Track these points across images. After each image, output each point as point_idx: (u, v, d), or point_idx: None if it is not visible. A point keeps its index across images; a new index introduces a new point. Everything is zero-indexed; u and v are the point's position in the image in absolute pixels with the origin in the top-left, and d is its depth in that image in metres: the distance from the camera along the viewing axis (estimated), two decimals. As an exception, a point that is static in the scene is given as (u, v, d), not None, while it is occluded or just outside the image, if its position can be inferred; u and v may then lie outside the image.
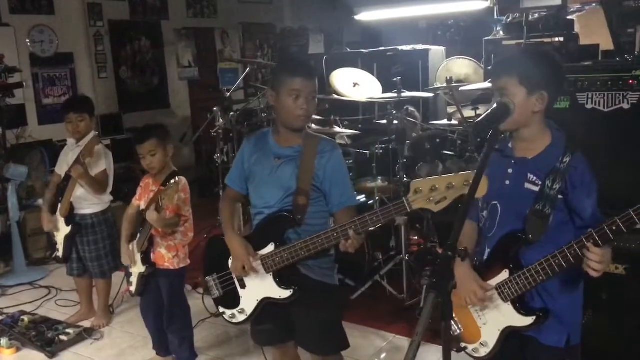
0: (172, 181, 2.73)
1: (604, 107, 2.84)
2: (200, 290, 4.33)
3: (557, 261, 1.83)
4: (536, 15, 4.80)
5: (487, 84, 3.96)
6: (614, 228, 1.70)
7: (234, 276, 2.38)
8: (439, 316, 2.10)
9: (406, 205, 1.93)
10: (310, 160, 2.29)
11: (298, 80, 2.22)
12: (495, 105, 1.81)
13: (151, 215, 2.83)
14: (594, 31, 5.06)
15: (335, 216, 2.32)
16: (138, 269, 3.09)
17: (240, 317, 2.41)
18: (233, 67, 8.29)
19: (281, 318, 2.39)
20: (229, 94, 4.81)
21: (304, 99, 2.23)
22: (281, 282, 2.28)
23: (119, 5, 7.24)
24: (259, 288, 2.32)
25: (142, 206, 3.06)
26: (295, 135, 2.34)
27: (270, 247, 2.27)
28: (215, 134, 4.58)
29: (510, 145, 2.03)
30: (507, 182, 2.00)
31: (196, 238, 4.34)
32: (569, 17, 4.92)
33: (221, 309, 2.46)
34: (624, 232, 1.69)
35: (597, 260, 1.73)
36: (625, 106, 2.79)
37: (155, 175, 3.10)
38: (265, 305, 2.34)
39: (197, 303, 3.92)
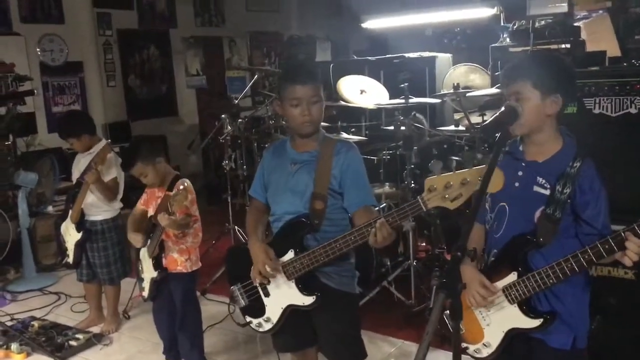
0: (181, 187, 2.75)
1: (611, 112, 2.85)
2: (210, 296, 4.36)
3: (569, 265, 1.84)
4: (542, 22, 4.81)
5: (494, 90, 3.97)
6: None
7: (257, 284, 2.37)
8: (445, 320, 2.14)
9: (421, 204, 1.91)
10: (327, 163, 2.28)
11: (296, 88, 2.24)
12: (502, 109, 1.83)
13: (163, 220, 2.85)
14: (600, 38, 5.07)
15: (354, 216, 2.30)
16: (150, 274, 3.11)
17: (267, 326, 2.40)
18: (240, 76, 8.35)
19: (303, 326, 2.38)
20: (236, 101, 4.84)
21: (305, 105, 2.24)
22: (303, 288, 2.27)
23: (128, 15, 7.31)
24: (282, 296, 2.32)
25: (151, 212, 3.09)
26: (310, 140, 2.34)
27: (290, 254, 2.26)
28: (223, 141, 4.61)
29: (520, 148, 2.05)
30: (517, 184, 2.01)
31: (204, 244, 4.37)
32: (575, 24, 4.93)
33: (248, 318, 2.46)
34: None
35: (636, 251, 1.73)
36: (633, 111, 2.79)
37: (160, 184, 3.13)
38: (290, 313, 2.33)
39: (206, 309, 3.92)
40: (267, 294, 2.37)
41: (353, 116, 5.11)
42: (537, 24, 4.75)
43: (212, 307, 4.12)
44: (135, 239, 3.11)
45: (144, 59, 7.58)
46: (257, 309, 2.41)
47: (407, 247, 3.99)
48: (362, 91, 4.78)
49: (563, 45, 4.68)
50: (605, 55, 4.34)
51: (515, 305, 1.97)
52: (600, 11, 5.27)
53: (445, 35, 7.44)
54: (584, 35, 4.89)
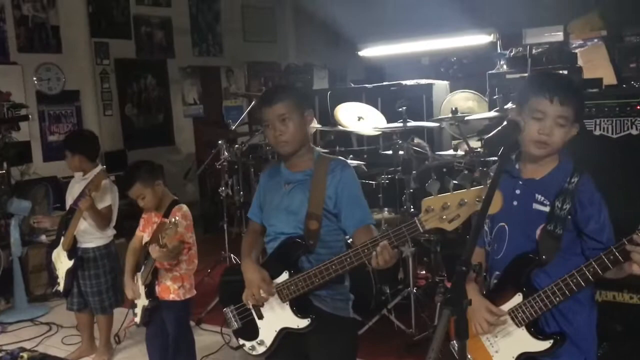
0: (173, 220, 2.68)
1: (612, 134, 2.83)
2: (205, 326, 4.26)
3: (575, 280, 1.79)
4: (539, 49, 4.84)
5: (492, 114, 3.95)
6: None
7: (250, 307, 2.31)
8: (449, 348, 2.06)
9: (418, 225, 1.87)
10: (321, 182, 2.24)
11: (264, 110, 2.24)
12: (505, 123, 1.79)
13: (154, 252, 2.79)
14: (596, 66, 5.08)
15: (353, 237, 2.25)
16: (142, 301, 3.03)
17: (260, 349, 2.32)
18: (238, 105, 8.37)
19: (297, 350, 2.31)
20: (233, 127, 4.82)
21: (276, 125, 2.22)
22: (298, 311, 2.21)
23: (126, 44, 7.35)
24: (276, 318, 2.25)
25: (146, 238, 3.02)
26: (305, 159, 2.31)
27: (284, 275, 2.20)
28: (220, 167, 4.57)
29: (517, 166, 2.01)
30: (515, 203, 1.97)
31: (200, 273, 4.30)
32: (572, 51, 4.96)
33: (241, 341, 2.39)
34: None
35: None
36: (634, 132, 2.78)
37: (157, 208, 3.08)
38: (284, 336, 2.26)
39: (201, 339, 3.83)
40: (260, 317, 2.30)
41: (351, 142, 5.09)
42: (534, 51, 4.78)
43: (207, 337, 4.02)
44: (129, 287, 3.08)
45: (141, 88, 7.59)
46: (250, 331, 2.34)
47: (407, 274, 3.91)
48: (359, 118, 4.77)
49: (560, 72, 4.69)
50: (602, 82, 4.35)
51: (523, 327, 1.91)
52: (596, 40, 5.31)
53: (441, 65, 7.51)
54: (580, 62, 4.92)
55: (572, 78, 3.61)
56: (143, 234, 3.12)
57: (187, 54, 8.11)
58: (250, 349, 2.35)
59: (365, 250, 2.00)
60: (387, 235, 1.96)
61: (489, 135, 1.73)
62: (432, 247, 4.16)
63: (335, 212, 2.25)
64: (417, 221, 1.87)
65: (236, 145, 4.57)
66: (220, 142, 4.54)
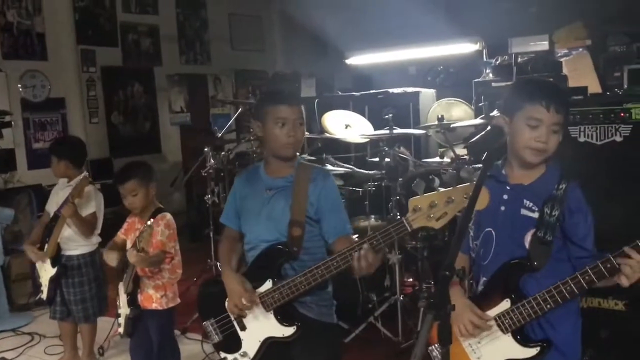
0: (148, 223, 2.66)
1: (596, 140, 2.85)
2: (190, 335, 4.21)
3: (568, 288, 1.78)
4: (525, 58, 4.88)
5: (478, 121, 3.97)
6: None
7: (232, 318, 2.28)
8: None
9: (406, 224, 1.86)
10: (303, 190, 2.23)
11: (283, 108, 2.20)
12: (489, 127, 1.80)
13: (131, 256, 2.75)
14: (581, 75, 5.12)
15: (332, 246, 2.24)
16: (125, 310, 2.99)
17: None
18: (225, 112, 8.35)
19: (281, 359, 2.28)
20: (220, 134, 4.80)
21: (291, 126, 2.20)
22: (283, 319, 2.18)
23: (112, 52, 7.32)
24: (260, 328, 2.22)
25: (129, 244, 2.98)
26: (286, 165, 2.29)
27: (268, 284, 2.18)
28: (206, 174, 4.54)
29: (504, 171, 2.02)
30: (502, 208, 1.97)
31: (186, 282, 4.27)
32: (557, 60, 5.00)
33: (222, 354, 2.34)
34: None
35: (635, 266, 1.67)
36: (618, 139, 2.80)
37: (141, 214, 3.04)
38: (268, 345, 2.23)
39: (186, 348, 3.79)
40: (243, 328, 2.27)
41: (339, 149, 5.09)
42: (519, 59, 4.81)
43: (193, 347, 3.97)
44: (109, 256, 2.99)
45: (128, 96, 7.55)
46: (232, 343, 2.30)
47: (393, 282, 3.90)
48: (347, 126, 4.77)
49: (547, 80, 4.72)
50: (587, 90, 4.39)
51: (509, 334, 1.90)
52: (581, 49, 5.35)
53: (428, 74, 7.54)
54: (565, 71, 4.96)
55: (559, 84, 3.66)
56: (124, 236, 3.08)
57: (174, 61, 8.08)
58: None
59: (352, 254, 1.98)
60: (374, 237, 1.95)
61: (473, 140, 1.73)
62: (419, 254, 4.15)
63: (317, 219, 2.24)
64: (404, 221, 1.86)
65: (222, 153, 4.55)
66: (206, 149, 4.51)
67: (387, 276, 4.00)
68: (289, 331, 2.17)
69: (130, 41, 7.55)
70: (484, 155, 1.68)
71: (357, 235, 3.99)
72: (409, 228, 1.86)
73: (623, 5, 5.67)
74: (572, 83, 4.81)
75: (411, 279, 4.57)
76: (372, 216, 4.14)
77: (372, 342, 3.81)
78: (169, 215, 2.98)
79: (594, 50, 5.24)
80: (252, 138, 4.86)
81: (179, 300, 3.08)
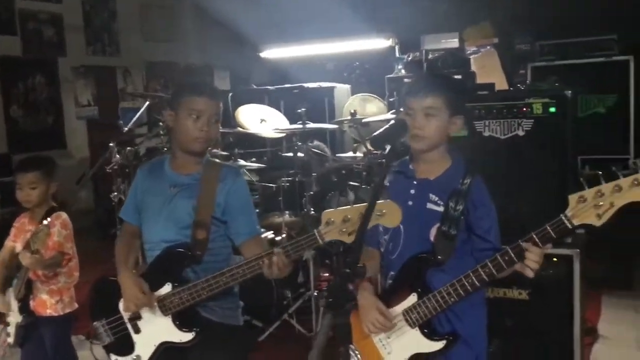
0: (44, 222, 2.47)
1: (500, 135, 2.91)
2: (96, 340, 3.98)
3: (470, 281, 1.81)
4: (435, 54, 4.99)
5: (389, 115, 4.00)
6: (559, 227, 1.68)
7: (126, 320, 2.15)
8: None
9: (317, 237, 1.83)
10: (211, 189, 2.12)
11: (200, 100, 2.08)
12: (392, 122, 1.78)
13: (25, 258, 2.55)
14: (489, 72, 5.31)
15: (242, 247, 2.16)
16: (15, 318, 2.76)
17: None
18: (136, 106, 7.98)
19: None
20: (126, 129, 4.57)
21: (205, 120, 2.09)
22: (181, 324, 2.08)
23: (10, 41, 6.81)
24: (156, 332, 2.11)
25: (18, 248, 2.76)
26: (194, 161, 2.18)
27: (167, 287, 2.07)
28: (110, 171, 4.32)
29: (411, 166, 2.04)
30: (410, 203, 1.98)
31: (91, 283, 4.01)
32: (466, 57, 5.14)
33: (113, 357, 2.21)
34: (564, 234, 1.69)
35: (535, 260, 1.72)
36: (520, 133, 2.87)
37: (32, 213, 2.83)
38: (163, 350, 2.12)
39: (90, 355, 3.57)
40: (137, 331, 2.15)
41: (253, 144, 5.00)
42: (430, 56, 4.92)
43: (97, 352, 3.74)
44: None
45: (29, 88, 7.07)
46: (125, 346, 2.17)
47: (307, 277, 3.86)
48: (262, 120, 4.70)
49: (455, 76, 4.84)
50: (494, 87, 4.54)
51: (417, 328, 1.91)
52: (488, 47, 5.54)
53: (345, 70, 7.59)
54: (474, 68, 5.11)
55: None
56: (14, 244, 2.84)
57: (80, 52, 7.64)
58: None
59: (260, 262, 1.92)
60: (284, 248, 1.91)
61: (376, 133, 1.71)
62: (334, 250, 4.14)
63: (224, 220, 2.15)
64: (316, 234, 1.83)
65: (128, 148, 4.33)
66: (111, 144, 4.29)
67: (300, 272, 3.96)
68: (186, 337, 2.08)
69: (31, 30, 7.07)
70: (387, 149, 1.65)
71: (271, 233, 3.95)
72: (320, 241, 1.83)
73: (529, 5, 5.91)
74: (480, 80, 4.97)
75: (327, 274, 4.56)
76: (287, 212, 4.08)
77: (286, 339, 3.76)
78: (64, 215, 2.79)
79: (501, 49, 5.45)
80: (161, 132, 4.67)
81: (76, 306, 2.88)
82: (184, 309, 2.05)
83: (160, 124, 4.46)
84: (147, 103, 5.04)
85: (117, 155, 4.26)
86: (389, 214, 1.73)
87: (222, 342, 2.15)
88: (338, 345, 1.32)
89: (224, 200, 2.13)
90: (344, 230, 1.76)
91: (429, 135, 1.91)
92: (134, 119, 4.78)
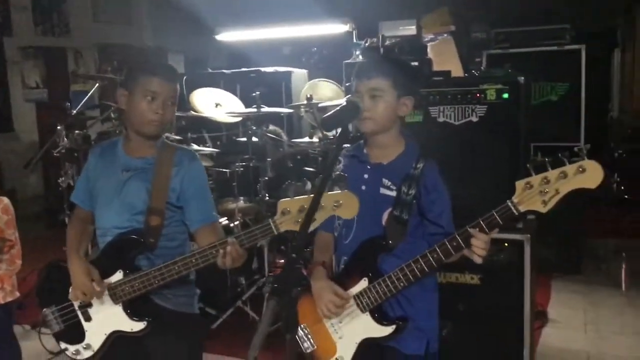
0: None
1: (454, 121, 2.92)
2: (43, 329, 3.86)
3: (419, 266, 1.80)
4: (393, 40, 4.97)
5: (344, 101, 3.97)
6: (505, 213, 1.68)
7: (76, 308, 2.08)
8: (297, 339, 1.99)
9: (273, 227, 1.79)
10: (165, 174, 2.05)
11: (156, 81, 1.99)
12: (344, 104, 1.75)
13: None
14: (445, 60, 5.33)
15: (197, 234, 2.09)
16: (-48, 308, 2.64)
17: (86, 354, 2.10)
18: (88, 89, 7.75)
19: (132, 353, 2.11)
20: (74, 111, 4.41)
21: (160, 103, 2.00)
22: (133, 313, 2.02)
23: (-49, 18, 6.52)
24: (106, 320, 2.05)
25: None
26: (148, 144, 2.09)
27: (118, 275, 2.00)
28: (58, 155, 4.16)
29: (365, 151, 2.02)
30: (363, 188, 1.97)
31: (38, 272, 3.89)
32: (423, 44, 5.15)
33: (63, 345, 2.14)
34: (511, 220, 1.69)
35: (482, 247, 1.72)
36: (474, 119, 2.88)
37: None
38: (115, 339, 2.06)
39: (36, 345, 3.46)
40: (88, 319, 2.09)
41: (208, 128, 4.90)
42: (387, 42, 4.89)
43: (45, 341, 3.63)
44: None
45: (-28, 69, 6.78)
46: (75, 334, 2.11)
47: (262, 264, 3.82)
48: (217, 104, 4.60)
49: (412, 64, 4.85)
50: (450, 74, 4.57)
51: (367, 313, 1.90)
52: (445, 34, 5.56)
53: (303, 55, 7.53)
54: (431, 55, 5.12)
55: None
56: None
57: (28, 32, 7.37)
58: (74, 354, 2.13)
59: (214, 252, 1.87)
60: (239, 237, 1.86)
61: (326, 115, 1.67)
62: (289, 235, 4.09)
63: (179, 205, 2.08)
64: (271, 223, 1.79)
65: (77, 131, 4.18)
66: (59, 127, 4.13)
67: (255, 259, 3.91)
68: (138, 326, 2.02)
69: (-26, 7, 6.76)
70: (339, 131, 1.62)
71: (225, 219, 3.88)
72: (275, 231, 1.79)
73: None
74: (436, 67, 4.99)
75: (282, 260, 4.53)
76: (241, 198, 4.01)
77: (240, 326, 3.72)
78: (6, 200, 2.67)
79: (458, 37, 5.48)
80: (112, 116, 4.52)
81: (18, 294, 2.77)
82: (136, 298, 1.99)
83: (113, 106, 4.32)
84: (97, 85, 4.87)
85: (65, 139, 4.10)
86: (345, 205, 1.70)
87: (176, 330, 2.10)
88: (285, 333, 1.28)
89: (179, 185, 2.06)
90: (299, 220, 1.72)
91: (375, 117, 1.89)
92: (83, 101, 4.62)
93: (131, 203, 2.04)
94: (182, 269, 1.91)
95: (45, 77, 7.60)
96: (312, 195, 1.68)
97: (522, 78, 2.85)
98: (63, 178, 4.25)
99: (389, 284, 1.84)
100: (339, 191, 1.71)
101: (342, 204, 1.69)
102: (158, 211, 2.03)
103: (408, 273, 1.81)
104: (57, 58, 7.74)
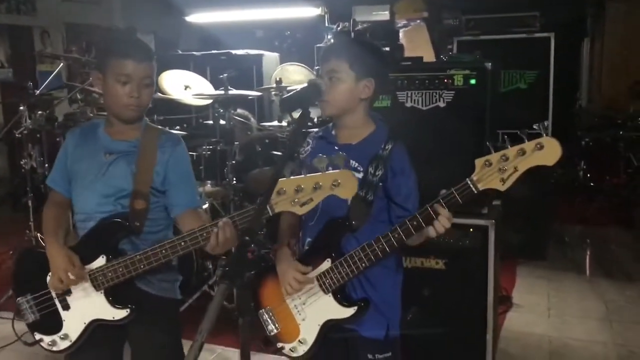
0: None
1: (422, 106, 2.92)
2: (2, 314, 3.77)
3: (380, 246, 1.79)
4: (365, 25, 4.95)
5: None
6: (464, 192, 1.68)
7: (54, 296, 2.00)
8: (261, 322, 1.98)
9: (268, 208, 1.71)
10: (150, 157, 1.99)
11: (128, 63, 1.90)
12: (306, 85, 1.72)
13: None
14: (418, 46, 5.32)
15: (180, 219, 2.04)
16: None
17: (63, 344, 2.01)
18: (54, 69, 7.57)
19: (111, 342, 2.07)
20: (37, 91, 4.30)
21: (135, 86, 1.92)
22: (115, 300, 1.95)
23: None
24: (86, 309, 1.97)
25: None
26: (131, 128, 2.02)
27: (100, 260, 1.93)
28: (20, 135, 4.05)
29: (333, 132, 2.01)
30: (330, 169, 1.93)
31: (1, 256, 3.82)
32: (395, 30, 5.14)
33: (38, 336, 2.04)
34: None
35: (443, 223, 1.71)
36: (442, 104, 2.89)
37: None
38: (95, 328, 1.99)
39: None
40: (66, 307, 2.00)
41: (178, 111, 4.83)
42: (359, 26, 4.87)
43: (3, 327, 3.56)
44: None
45: None
46: (51, 324, 2.02)
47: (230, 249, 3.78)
48: (186, 87, 4.54)
49: (384, 49, 4.84)
50: (422, 60, 4.57)
51: (330, 294, 1.90)
52: (418, 21, 5.55)
53: (276, 38, 7.46)
54: (402, 41, 5.11)
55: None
56: None
57: (-8, 10, 7.13)
58: (50, 345, 2.04)
59: (204, 234, 1.81)
60: (232, 218, 1.80)
61: (287, 95, 1.64)
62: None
63: (163, 190, 2.02)
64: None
65: (39, 112, 4.07)
66: (21, 107, 4.01)
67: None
68: (120, 314, 1.95)
69: None
70: (300, 112, 1.59)
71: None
72: (270, 212, 1.71)
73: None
74: (408, 53, 4.99)
75: (252, 245, 4.49)
76: (208, 182, 3.96)
77: (205, 310, 3.68)
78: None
79: (431, 23, 5.48)
80: (78, 97, 4.42)
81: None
82: (119, 284, 1.93)
83: (78, 87, 4.21)
84: (62, 64, 4.75)
85: (28, 120, 3.99)
86: (344, 185, 1.65)
87: (160, 315, 2.06)
88: (239, 317, 1.26)
89: (164, 168, 2.00)
90: (295, 200, 1.67)
91: (334, 99, 1.88)
92: (47, 81, 4.50)
93: (115, 187, 1.98)
94: (170, 253, 1.85)
95: (10, 56, 7.39)
96: (309, 175, 1.66)
97: (490, 64, 2.86)
98: (26, 160, 4.14)
99: (351, 264, 1.83)
100: (338, 170, 1.70)
101: (340, 183, 1.64)
102: (143, 195, 1.97)
103: (370, 253, 1.80)
104: (22, 37, 7.52)
